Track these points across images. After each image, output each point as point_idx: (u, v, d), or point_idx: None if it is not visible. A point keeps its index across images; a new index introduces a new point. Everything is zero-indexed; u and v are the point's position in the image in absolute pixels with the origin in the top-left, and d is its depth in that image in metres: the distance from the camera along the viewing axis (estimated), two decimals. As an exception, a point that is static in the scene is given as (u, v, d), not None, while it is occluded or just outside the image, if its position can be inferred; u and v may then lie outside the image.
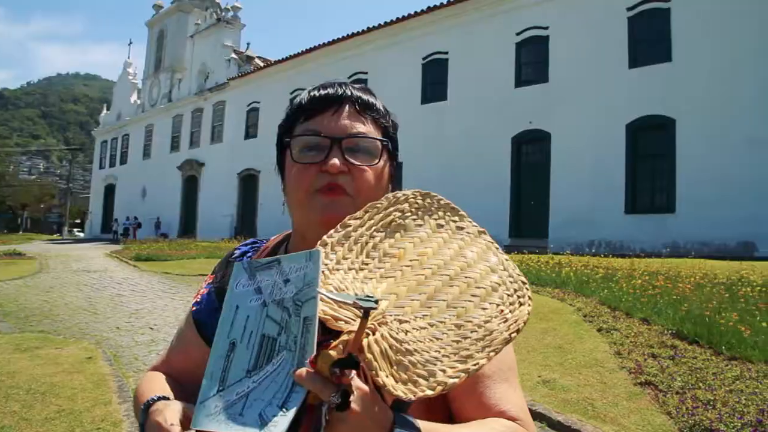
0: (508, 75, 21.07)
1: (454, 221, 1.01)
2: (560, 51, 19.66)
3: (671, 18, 17.09)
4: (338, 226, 0.97)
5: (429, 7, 23.32)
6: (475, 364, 0.82)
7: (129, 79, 46.03)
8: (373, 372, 0.77)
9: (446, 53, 23.11)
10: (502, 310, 0.89)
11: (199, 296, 1.23)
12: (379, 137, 1.11)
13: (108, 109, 49.39)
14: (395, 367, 0.80)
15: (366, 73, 25.98)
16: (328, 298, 0.79)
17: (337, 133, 1.07)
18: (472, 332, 0.86)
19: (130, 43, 48.07)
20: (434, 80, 23.29)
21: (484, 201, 17.96)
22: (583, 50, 18.86)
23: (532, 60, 20.67)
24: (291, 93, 29.20)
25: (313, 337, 0.79)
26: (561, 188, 18.79)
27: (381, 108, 1.14)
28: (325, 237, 0.95)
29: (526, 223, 19.64)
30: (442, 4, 22.95)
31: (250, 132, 32.52)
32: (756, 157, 14.90)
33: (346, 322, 0.81)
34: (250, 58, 34.71)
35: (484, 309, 0.89)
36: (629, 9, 18.00)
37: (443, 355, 0.83)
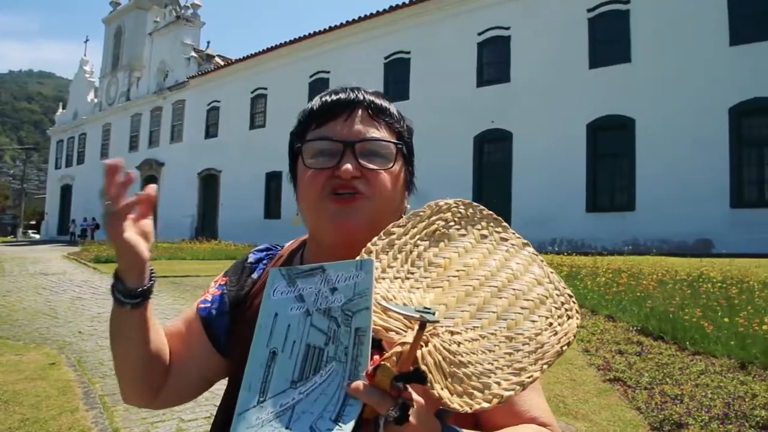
0: (470, 75, 21.23)
1: (498, 232, 1.00)
2: (522, 51, 19.87)
3: (630, 20, 17.40)
4: (381, 234, 0.95)
5: (391, 6, 23.38)
6: (529, 377, 0.82)
7: (86, 77, 45.21)
8: (428, 384, 0.76)
9: (408, 53, 23.18)
10: (551, 323, 0.88)
11: (210, 295, 1.20)
12: (392, 140, 1.09)
13: (64, 108, 48.45)
14: (450, 380, 0.79)
15: (328, 72, 25.92)
16: (392, 310, 0.77)
17: (349, 137, 1.05)
18: (524, 345, 0.85)
19: (87, 40, 47.17)
20: (396, 79, 23.33)
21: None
22: (544, 51, 19.09)
23: (493, 60, 20.86)
24: (252, 92, 29.08)
25: (368, 349, 0.77)
26: (523, 187, 18.99)
27: (395, 112, 1.12)
28: (369, 244, 0.93)
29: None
30: (404, 3, 23.03)
31: (211, 131, 32.19)
32: (710, 157, 15.31)
33: (397, 332, 0.79)
34: (210, 57, 34.37)
35: (533, 321, 0.88)
36: (589, 10, 18.28)
37: (497, 368, 0.82)
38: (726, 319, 6.38)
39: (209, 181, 31.81)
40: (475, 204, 1.02)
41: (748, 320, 6.26)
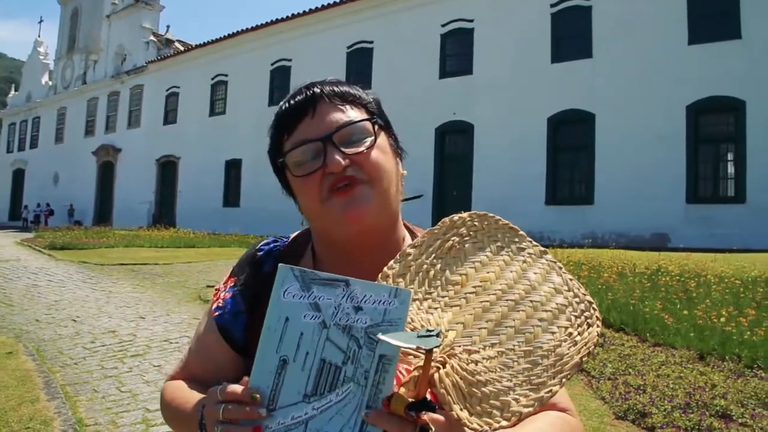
0: (433, 66, 21.28)
1: (515, 242, 0.99)
2: (485, 44, 19.98)
3: (592, 16, 17.63)
4: (398, 256, 0.95)
5: (355, -5, 23.28)
6: (548, 392, 0.82)
7: (40, 59, 44.03)
8: (446, 406, 0.77)
9: (371, 42, 23.13)
10: (570, 333, 0.88)
11: (221, 301, 1.18)
12: (364, 117, 1.08)
13: (16, 90, 47.17)
14: (468, 400, 0.80)
15: (290, 60, 25.74)
16: (388, 342, 0.77)
17: (323, 132, 1.04)
18: (542, 359, 0.85)
19: (41, 20, 45.95)
20: (359, 69, 23.25)
21: (407, 191, 18.05)
22: (507, 44, 19.23)
23: (456, 52, 20.94)
24: (212, 79, 28.76)
25: (392, 378, 0.78)
26: (483, 179, 19.15)
27: (355, 92, 1.11)
28: (385, 269, 0.93)
29: (450, 212, 19.77)
30: (368, -7, 22.95)
31: (170, 117, 31.71)
32: (667, 153, 15.67)
33: (415, 356, 0.80)
34: (169, 42, 33.83)
35: (552, 333, 0.88)
36: (552, 5, 18.47)
37: (515, 384, 0.83)
38: (685, 312, 6.55)
39: (167, 168, 31.37)
40: (490, 215, 1.01)
41: (706, 313, 6.44)
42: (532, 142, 18.30)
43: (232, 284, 1.19)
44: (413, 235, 1.18)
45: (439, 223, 0.99)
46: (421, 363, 0.78)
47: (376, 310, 0.80)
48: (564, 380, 0.83)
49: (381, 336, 0.77)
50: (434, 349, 0.77)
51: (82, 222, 34.12)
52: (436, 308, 0.89)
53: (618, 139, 16.51)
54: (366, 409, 0.77)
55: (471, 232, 0.99)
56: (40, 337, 7.23)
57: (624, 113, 16.55)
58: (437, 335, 0.77)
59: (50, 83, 42.29)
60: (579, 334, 0.88)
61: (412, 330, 0.83)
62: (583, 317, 0.90)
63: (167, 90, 31.81)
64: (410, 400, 0.75)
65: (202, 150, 28.59)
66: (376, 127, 1.08)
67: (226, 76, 28.63)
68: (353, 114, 1.07)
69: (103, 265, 14.26)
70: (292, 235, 1.26)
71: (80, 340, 7.07)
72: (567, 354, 0.85)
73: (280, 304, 0.82)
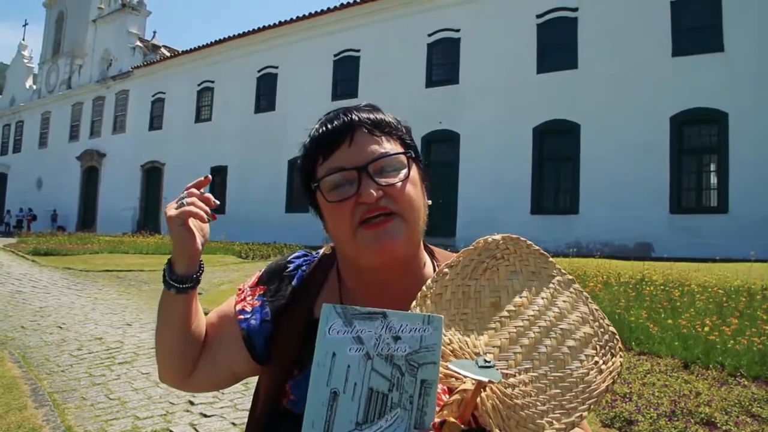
0: (419, 75, 21.39)
1: (545, 269, 1.02)
2: (471, 54, 20.11)
3: (578, 27, 17.81)
4: (435, 275, 0.98)
5: (342, 4, 23.35)
6: (578, 416, 0.87)
7: (24, 62, 43.73)
8: (488, 428, 0.82)
9: (358, 51, 23.20)
10: (597, 362, 0.93)
11: (250, 306, 1.21)
12: (400, 150, 1.11)
13: (0, 94, 46.83)
14: (506, 422, 0.84)
15: (276, 67, 25.75)
16: (460, 374, 0.82)
17: (359, 162, 1.07)
18: (573, 385, 0.90)
19: (26, 24, 45.67)
20: (345, 77, 23.34)
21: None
22: (493, 54, 19.37)
23: (443, 61, 21.05)
24: (198, 85, 28.67)
25: (434, 401, 0.81)
26: (469, 187, 19.24)
27: (391, 120, 1.15)
28: (424, 288, 0.97)
29: (435, 221, 19.87)
30: (355, 1, 23.03)
31: (155, 123, 31.59)
32: (651, 163, 15.85)
33: (457, 378, 0.84)
34: (156, 47, 33.74)
35: (581, 361, 0.92)
36: (538, 16, 18.63)
37: (548, 408, 0.87)
38: (669, 321, 6.63)
39: (152, 174, 31.23)
40: (522, 239, 1.04)
41: (690, 322, 6.52)
42: (517, 151, 18.42)
43: (261, 293, 1.23)
44: (433, 257, 1.23)
45: (473, 244, 1.02)
46: (461, 386, 0.82)
47: (413, 338, 0.84)
48: (592, 406, 0.89)
49: (449, 365, 0.83)
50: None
51: (66, 227, 33.86)
52: (472, 330, 0.93)
53: (603, 150, 16.67)
54: (414, 431, 0.81)
55: (504, 256, 1.02)
56: (26, 344, 7.20)
57: (609, 124, 16.73)
58: (494, 367, 0.82)
59: (34, 87, 41.99)
60: (604, 363, 0.93)
61: (451, 352, 0.87)
62: (607, 347, 0.95)
63: (153, 95, 31.70)
64: (463, 427, 0.80)
65: (188, 156, 28.49)
66: (410, 159, 1.11)
67: (213, 82, 28.58)
68: (388, 146, 1.10)
69: (88, 271, 14.20)
70: (321, 251, 1.29)
71: (67, 347, 7.05)
72: (594, 381, 0.90)
73: (326, 340, 0.86)
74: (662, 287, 8.74)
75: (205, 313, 1.26)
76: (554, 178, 18.27)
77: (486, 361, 0.83)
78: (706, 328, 6.15)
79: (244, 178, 26.08)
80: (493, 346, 0.91)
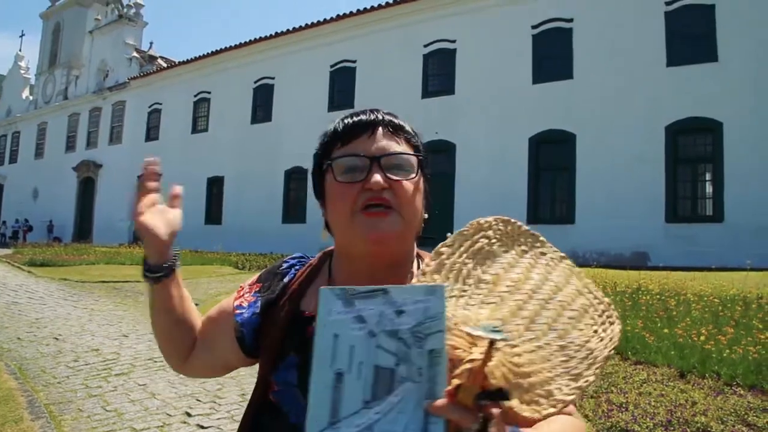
0: (416, 86, 21.45)
1: (536, 247, 1.06)
2: (467, 65, 20.19)
3: (573, 38, 17.90)
4: (432, 254, 1.01)
5: (338, 15, 23.46)
6: (585, 381, 0.89)
7: (21, 73, 43.69)
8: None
9: (354, 61, 23.27)
10: (596, 330, 0.95)
11: (246, 302, 1.27)
12: (414, 153, 1.18)
13: (-4, 104, 46.83)
14: (517, 389, 0.85)
15: (273, 78, 25.81)
16: (473, 333, 0.82)
17: (375, 152, 1.13)
18: (576, 352, 0.92)
19: (23, 34, 46.00)
20: (342, 88, 23.40)
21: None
22: (489, 65, 19.45)
23: (439, 72, 21.13)
24: (195, 96, 28.71)
25: (444, 369, 0.82)
26: (465, 198, 19.25)
27: (410, 130, 1.22)
28: (423, 266, 1.00)
29: (430, 231, 19.79)
30: (351, 12, 23.14)
31: (152, 134, 31.60)
32: (647, 172, 15.92)
33: (463, 350, 0.84)
34: (152, 58, 33.79)
35: (580, 330, 0.94)
36: (534, 27, 18.72)
37: (556, 375, 0.89)
38: (665, 330, 6.64)
39: (149, 185, 31.14)
40: (513, 220, 1.07)
41: (686, 331, 6.54)
42: (513, 161, 18.48)
43: (257, 289, 1.30)
44: (421, 259, 1.27)
45: (467, 225, 1.05)
46: (471, 357, 0.82)
47: (417, 310, 0.84)
48: (597, 371, 0.90)
49: (465, 328, 0.83)
50: (496, 342, 0.82)
51: (62, 238, 33.80)
52: (473, 305, 0.95)
53: (598, 159, 16.74)
54: (427, 401, 0.81)
55: (497, 236, 1.05)
56: (22, 356, 7.18)
57: (604, 133, 16.80)
58: (501, 332, 0.82)
59: (31, 98, 41.98)
60: (603, 331, 0.95)
61: (454, 326, 0.87)
62: (604, 316, 0.98)
63: (149, 106, 31.72)
64: (479, 390, 0.80)
65: (184, 167, 28.40)
66: (419, 165, 1.18)
67: (209, 93, 28.61)
68: (404, 147, 1.17)
69: (84, 282, 14.17)
70: (317, 255, 1.33)
71: (63, 359, 7.03)
72: (596, 348, 0.92)
73: (327, 323, 0.86)
74: (658, 296, 8.77)
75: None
76: (550, 188, 18.32)
77: (494, 327, 0.84)
78: (702, 338, 6.16)
79: (240, 189, 26.08)
80: (495, 319, 0.92)
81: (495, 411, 0.81)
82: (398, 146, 1.16)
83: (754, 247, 13.38)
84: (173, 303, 1.27)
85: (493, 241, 1.04)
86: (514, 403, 0.83)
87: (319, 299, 0.87)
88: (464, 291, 0.97)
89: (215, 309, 1.34)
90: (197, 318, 1.35)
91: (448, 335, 0.84)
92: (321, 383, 0.83)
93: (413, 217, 1.16)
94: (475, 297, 0.97)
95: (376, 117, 1.18)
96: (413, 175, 1.15)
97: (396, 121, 1.20)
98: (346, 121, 1.19)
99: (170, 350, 1.34)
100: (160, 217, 1.27)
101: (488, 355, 0.81)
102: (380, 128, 1.17)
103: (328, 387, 0.83)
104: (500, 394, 0.80)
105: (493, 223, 1.06)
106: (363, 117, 1.18)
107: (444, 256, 1.01)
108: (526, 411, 0.84)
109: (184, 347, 1.32)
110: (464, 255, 1.01)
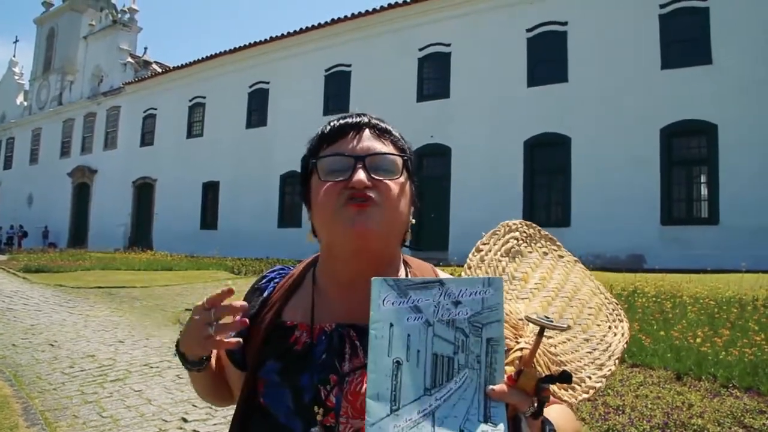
0: (411, 89, 21.47)
1: (554, 250, 1.15)
2: (462, 68, 20.22)
3: (567, 41, 17.94)
4: (474, 250, 1.08)
5: (333, 19, 23.45)
6: (609, 370, 0.97)
7: (15, 78, 43.57)
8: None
9: (349, 66, 23.28)
10: (610, 326, 1.04)
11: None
12: (399, 154, 1.18)
13: (-10, 110, 46.72)
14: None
15: (268, 82, 25.81)
16: (539, 322, 0.87)
17: (359, 152, 1.13)
18: (598, 344, 1.00)
19: (17, 40, 46.18)
20: (337, 92, 23.39)
21: (387, 213, 18.16)
22: (483, 68, 19.48)
23: (434, 75, 21.15)
24: (190, 100, 28.70)
25: (503, 357, 0.85)
26: (461, 201, 19.28)
27: (397, 134, 1.22)
28: (468, 260, 1.06)
29: (427, 235, 19.89)
30: (345, 16, 23.15)
31: (147, 139, 31.55)
32: (642, 175, 15.95)
33: (510, 339, 0.91)
34: (147, 63, 33.77)
35: (598, 325, 1.03)
36: (528, 30, 18.76)
37: (585, 365, 0.97)
38: (662, 333, 6.65)
39: (144, 190, 31.16)
40: (534, 225, 1.17)
41: (682, 333, 6.55)
42: (509, 164, 18.49)
43: None
44: (408, 266, 1.26)
45: (499, 226, 1.14)
46: (521, 345, 0.88)
47: (474, 301, 0.88)
48: (617, 362, 0.99)
49: (526, 315, 0.90)
50: (544, 333, 0.87)
51: (57, 244, 33.70)
52: (510, 299, 1.01)
53: (593, 162, 16.76)
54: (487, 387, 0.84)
55: (523, 237, 1.14)
56: (17, 362, 7.16)
57: (599, 136, 16.83)
58: (553, 322, 0.88)
59: (25, 103, 41.84)
60: (615, 327, 1.04)
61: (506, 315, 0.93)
62: (614, 314, 1.08)
63: (144, 111, 31.68)
64: (542, 375, 0.86)
65: (180, 172, 28.47)
66: (404, 167, 1.18)
67: (204, 98, 28.59)
68: (390, 148, 1.18)
69: (80, 288, 14.13)
70: (299, 265, 1.33)
71: (59, 365, 7.01)
72: (613, 342, 1.01)
73: (381, 312, 0.88)
74: (654, 299, 8.78)
75: None
76: (545, 191, 18.35)
77: (546, 317, 0.88)
78: (698, 340, 6.17)
79: (235, 194, 26.05)
80: (543, 315, 0.97)
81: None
82: (384, 147, 1.16)
83: (750, 249, 13.41)
84: (212, 377, 1.30)
85: (520, 241, 1.13)
86: (554, 388, 0.90)
87: (372, 289, 0.89)
88: None
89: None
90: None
91: (519, 314, 0.92)
92: (380, 372, 0.85)
93: (397, 217, 1.14)
94: (511, 292, 1.04)
95: (362, 119, 1.19)
96: (398, 176, 1.15)
97: (382, 124, 1.20)
98: (332, 123, 1.20)
99: (218, 403, 1.39)
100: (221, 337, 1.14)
101: (537, 344, 0.86)
102: (366, 130, 1.17)
103: (387, 375, 0.84)
104: (564, 378, 0.84)
105: (519, 225, 1.16)
106: (349, 119, 1.19)
107: (483, 253, 1.08)
108: (565, 396, 0.92)
109: (228, 395, 1.34)
110: (499, 253, 1.09)
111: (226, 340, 1.07)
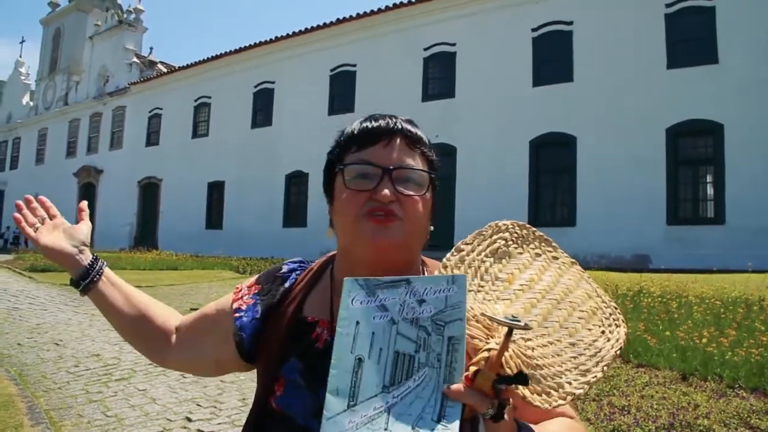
0: (416, 89, 21.44)
1: (549, 251, 1.11)
2: (467, 68, 20.19)
3: (573, 40, 17.90)
4: (453, 250, 1.05)
5: (338, 19, 23.44)
6: (594, 377, 0.93)
7: (21, 79, 43.66)
8: (513, 385, 0.85)
9: (354, 65, 23.26)
10: (603, 331, 1.00)
11: (245, 305, 1.26)
12: (427, 170, 1.17)
13: (-4, 111, 46.83)
14: (530, 380, 0.88)
15: (273, 82, 25.82)
16: (495, 320, 0.86)
17: (388, 164, 1.12)
18: (585, 349, 0.96)
19: (23, 41, 46.14)
20: (342, 92, 23.37)
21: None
22: (489, 68, 19.46)
23: (439, 75, 21.13)
24: (195, 100, 28.73)
25: (463, 356, 0.84)
26: (466, 201, 19.22)
27: (427, 141, 1.20)
28: (444, 260, 1.03)
29: (432, 234, 19.69)
30: (351, 16, 23.14)
31: (152, 139, 31.60)
32: (648, 175, 15.89)
33: (480, 339, 0.89)
34: (152, 63, 33.82)
35: (589, 330, 0.99)
36: (534, 30, 18.72)
37: (566, 369, 0.93)
38: (667, 333, 6.63)
39: (149, 190, 31.22)
40: (528, 225, 1.13)
41: (688, 333, 6.53)
42: (514, 164, 18.46)
43: (256, 291, 1.28)
44: (425, 266, 1.26)
45: (486, 227, 1.10)
46: (489, 346, 0.86)
47: (438, 299, 0.88)
48: (605, 368, 0.95)
49: (488, 314, 0.88)
50: (514, 333, 0.85)
51: (63, 244, 33.68)
52: (489, 300, 1.00)
53: (599, 162, 16.72)
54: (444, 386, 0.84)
55: (513, 238, 1.10)
56: (23, 362, 7.17)
57: (605, 136, 16.78)
58: (522, 322, 0.85)
59: (31, 104, 41.96)
60: (610, 332, 1.00)
61: (472, 317, 0.91)
62: (611, 319, 1.03)
63: (150, 111, 31.73)
64: (496, 376, 0.83)
65: (185, 172, 28.50)
66: (432, 184, 1.17)
67: (209, 98, 28.61)
68: (418, 161, 1.16)
69: (85, 287, 14.09)
70: (317, 260, 1.32)
71: (63, 364, 7.02)
72: (604, 348, 0.97)
73: (350, 311, 0.90)
74: (660, 299, 8.76)
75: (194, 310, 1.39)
76: (551, 191, 18.32)
77: (513, 316, 0.86)
78: (704, 340, 6.15)
79: (241, 194, 26.07)
80: (510, 314, 0.95)
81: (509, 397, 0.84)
82: (412, 161, 1.15)
83: (756, 249, 13.36)
84: (117, 304, 1.32)
85: (510, 242, 1.10)
86: (526, 392, 0.87)
87: (343, 288, 0.92)
88: (481, 286, 1.02)
89: (212, 306, 1.34)
90: (161, 310, 1.40)
91: (466, 325, 0.87)
92: (341, 368, 0.86)
93: (418, 231, 1.15)
94: (491, 293, 1.02)
95: (395, 125, 1.16)
96: (424, 192, 1.14)
97: (415, 131, 1.18)
98: (363, 125, 1.17)
99: (141, 347, 1.37)
100: (58, 233, 1.37)
101: (505, 345, 0.84)
102: (398, 138, 1.15)
103: (348, 372, 0.86)
104: (519, 379, 0.83)
105: (510, 226, 1.12)
106: (381, 123, 1.16)
107: (464, 252, 1.05)
108: (537, 401, 0.88)
109: (156, 341, 1.34)
110: (483, 253, 1.06)
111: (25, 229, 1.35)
